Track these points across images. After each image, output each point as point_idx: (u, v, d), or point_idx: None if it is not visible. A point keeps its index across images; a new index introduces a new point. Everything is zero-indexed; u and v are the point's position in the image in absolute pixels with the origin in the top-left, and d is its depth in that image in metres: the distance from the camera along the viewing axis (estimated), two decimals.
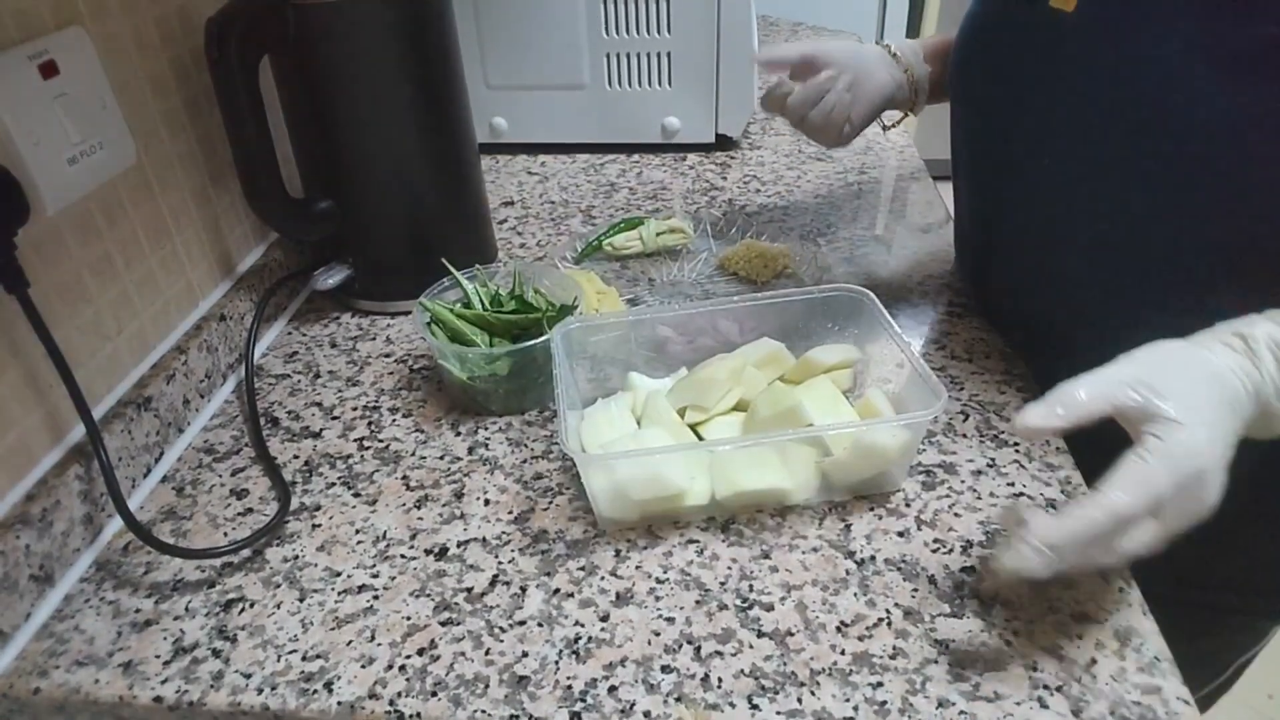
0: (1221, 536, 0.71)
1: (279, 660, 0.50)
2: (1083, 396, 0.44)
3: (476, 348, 0.67)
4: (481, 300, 0.71)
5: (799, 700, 0.47)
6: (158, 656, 0.51)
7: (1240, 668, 0.80)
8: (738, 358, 0.65)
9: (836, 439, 0.58)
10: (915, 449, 0.59)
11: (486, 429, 0.68)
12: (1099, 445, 0.63)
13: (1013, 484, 0.60)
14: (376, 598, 0.54)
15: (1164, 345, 0.47)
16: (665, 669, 0.49)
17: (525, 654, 0.50)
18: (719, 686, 0.48)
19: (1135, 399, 0.44)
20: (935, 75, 0.83)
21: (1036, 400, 0.45)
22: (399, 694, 0.48)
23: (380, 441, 0.67)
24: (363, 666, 0.50)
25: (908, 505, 0.59)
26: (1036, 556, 0.42)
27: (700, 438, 0.62)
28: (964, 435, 0.64)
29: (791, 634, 0.50)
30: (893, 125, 0.86)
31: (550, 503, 0.60)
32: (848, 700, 0.46)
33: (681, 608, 0.52)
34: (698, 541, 0.57)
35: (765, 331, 0.68)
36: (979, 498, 0.59)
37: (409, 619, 0.52)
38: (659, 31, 1.06)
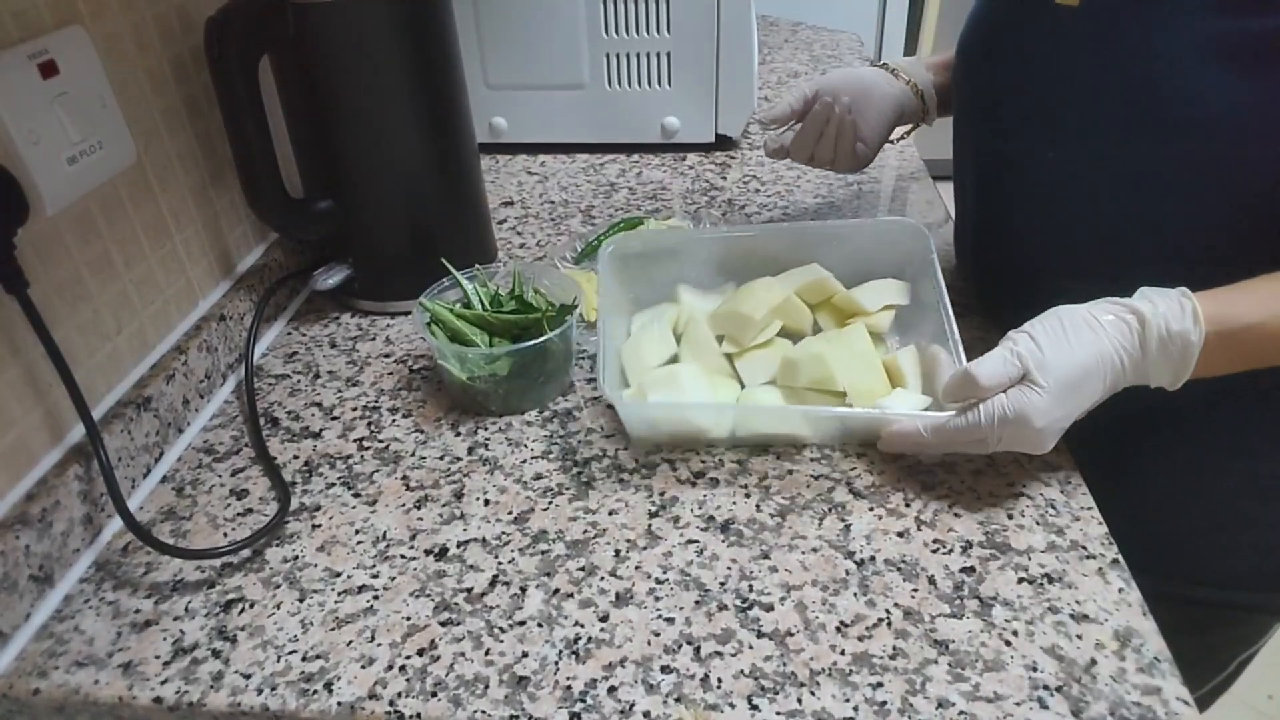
0: (1228, 536, 0.71)
1: (279, 660, 0.50)
2: (985, 385, 0.53)
3: (476, 348, 0.67)
4: (481, 300, 0.71)
5: (799, 700, 0.47)
6: (157, 657, 0.51)
7: (1243, 663, 0.80)
8: (781, 287, 0.68)
9: (857, 399, 0.62)
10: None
11: (486, 429, 0.68)
12: (1097, 445, 0.63)
13: (1012, 483, 0.60)
14: (376, 598, 0.54)
15: (1064, 318, 0.54)
16: (665, 669, 0.49)
17: (525, 654, 0.50)
18: (719, 687, 0.48)
19: (1017, 374, 0.54)
20: (943, 86, 0.82)
21: (954, 384, 0.55)
22: (399, 694, 0.48)
23: (380, 442, 0.67)
24: (363, 667, 0.50)
25: (908, 505, 0.59)
26: (895, 444, 0.59)
27: (735, 369, 0.67)
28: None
29: (791, 634, 0.50)
30: (900, 138, 0.86)
31: (550, 503, 0.60)
32: (848, 700, 0.46)
33: (681, 608, 0.52)
34: (697, 541, 0.57)
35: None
36: (979, 498, 0.59)
37: (409, 619, 0.52)
38: (659, 31, 1.06)
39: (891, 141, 0.83)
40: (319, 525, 0.60)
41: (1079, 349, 0.53)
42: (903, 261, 0.71)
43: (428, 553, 0.57)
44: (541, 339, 0.65)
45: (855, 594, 0.52)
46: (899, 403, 0.61)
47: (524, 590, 0.54)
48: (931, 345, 0.64)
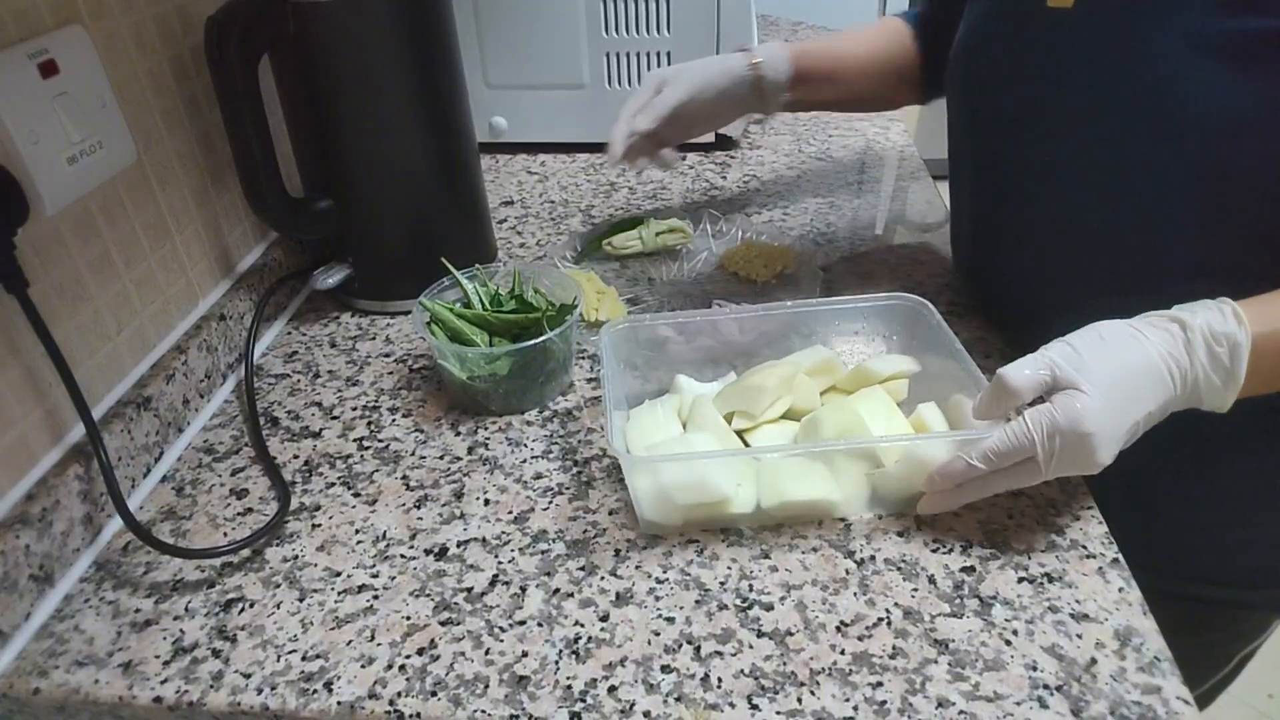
0: (1232, 534, 0.71)
1: (279, 660, 0.50)
2: (1017, 387, 0.51)
3: (476, 348, 0.67)
4: (481, 300, 0.71)
5: (799, 700, 0.47)
6: (157, 656, 0.51)
7: (1244, 660, 0.81)
8: (789, 365, 0.64)
9: (888, 452, 0.56)
10: None
11: (486, 429, 0.68)
12: None
13: None
14: (376, 598, 0.54)
15: (1103, 327, 0.52)
16: (665, 669, 0.49)
17: (525, 654, 0.50)
18: (719, 686, 0.48)
19: (1055, 376, 0.50)
20: (805, 76, 0.79)
21: (985, 397, 0.53)
22: (399, 694, 0.48)
23: (380, 441, 0.67)
24: (363, 666, 0.50)
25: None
26: (940, 484, 0.54)
27: (748, 445, 0.61)
28: None
29: (791, 634, 0.50)
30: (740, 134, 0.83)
31: (550, 503, 0.60)
32: (848, 700, 0.46)
33: (681, 607, 0.52)
34: (697, 541, 0.57)
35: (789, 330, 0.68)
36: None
37: (409, 619, 0.52)
38: (659, 31, 1.06)
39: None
40: (319, 525, 0.60)
41: (1121, 353, 0.50)
42: (908, 335, 0.67)
43: (428, 552, 0.57)
44: (541, 339, 0.65)
45: (855, 593, 0.52)
46: (932, 443, 0.56)
47: (524, 590, 0.54)
48: (955, 395, 0.60)
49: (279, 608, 0.54)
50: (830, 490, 0.56)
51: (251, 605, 0.54)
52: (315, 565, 0.57)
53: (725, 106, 0.79)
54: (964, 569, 0.54)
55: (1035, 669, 0.48)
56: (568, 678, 0.48)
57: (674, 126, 0.78)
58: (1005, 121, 0.67)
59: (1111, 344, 0.51)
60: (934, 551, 0.55)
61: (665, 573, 0.54)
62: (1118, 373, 0.50)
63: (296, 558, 0.57)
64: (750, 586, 0.53)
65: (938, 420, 0.59)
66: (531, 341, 0.65)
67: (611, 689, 0.48)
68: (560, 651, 0.50)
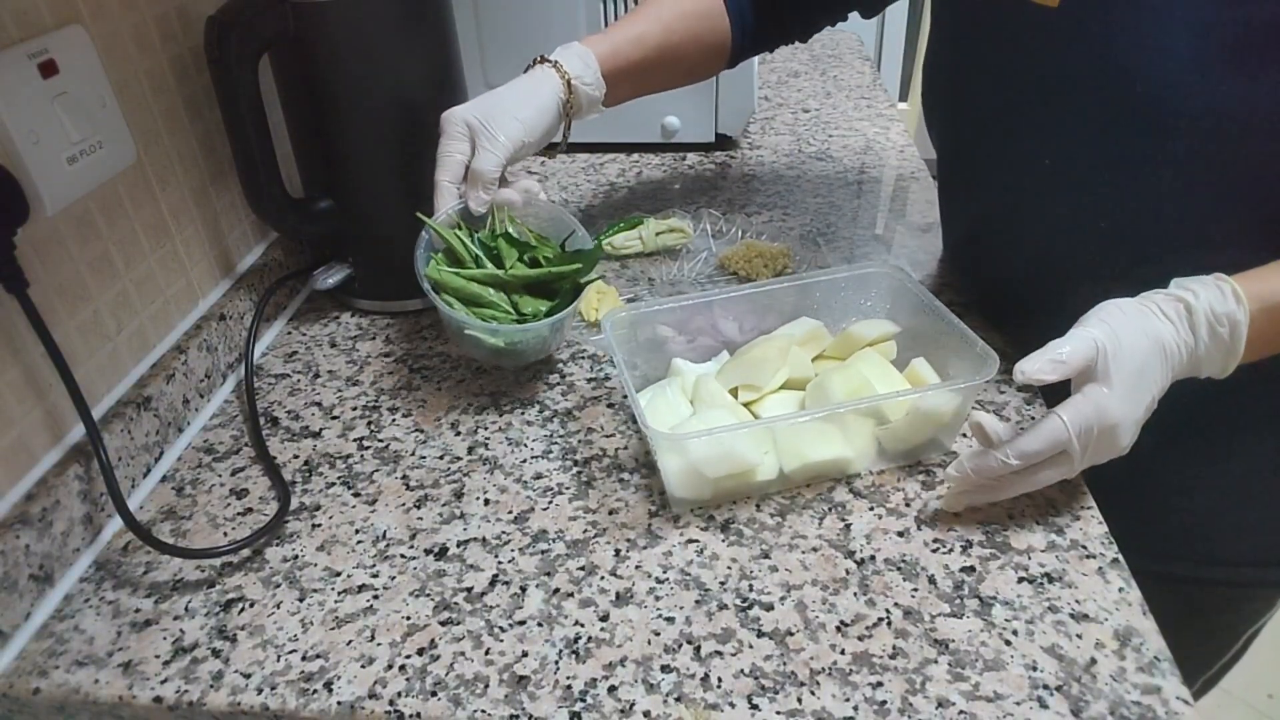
0: (1240, 515, 0.71)
1: (279, 660, 0.50)
2: (1065, 358, 0.52)
3: (524, 323, 0.65)
4: (476, 255, 0.68)
5: (799, 700, 0.47)
6: (157, 656, 0.51)
7: (1250, 638, 0.81)
8: (782, 338, 0.67)
9: (893, 408, 0.60)
10: (966, 413, 0.59)
11: (486, 429, 0.68)
12: None
13: None
14: (376, 597, 0.54)
15: (1121, 309, 0.54)
16: (665, 669, 0.49)
17: (525, 654, 0.50)
18: (719, 686, 0.48)
19: (1093, 361, 0.52)
20: (617, 74, 0.75)
21: (1033, 355, 0.53)
22: (399, 694, 0.48)
23: (380, 441, 0.67)
24: (363, 666, 0.50)
25: (908, 505, 0.59)
26: (973, 480, 0.54)
27: (756, 417, 0.63)
28: (965, 435, 0.64)
29: (791, 634, 0.50)
30: (560, 146, 0.78)
31: (550, 503, 0.60)
32: (848, 700, 0.46)
33: (681, 607, 0.52)
34: (697, 541, 0.57)
35: (780, 320, 0.70)
36: None
37: (409, 619, 0.52)
38: None
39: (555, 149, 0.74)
40: (319, 525, 0.60)
41: (1142, 338, 0.52)
42: (890, 302, 0.70)
43: (428, 552, 0.57)
44: (578, 299, 0.65)
45: (855, 593, 0.52)
46: (934, 394, 0.59)
47: (524, 590, 0.54)
48: (937, 351, 0.64)
49: (279, 608, 0.54)
50: (844, 449, 0.59)
51: (251, 605, 0.54)
52: (315, 565, 0.57)
53: (549, 131, 0.73)
54: (964, 569, 0.54)
55: (1035, 669, 0.48)
56: (568, 678, 0.48)
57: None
58: (996, 123, 0.67)
59: (1134, 327, 0.53)
60: (934, 551, 0.55)
61: (665, 573, 0.55)
62: (1138, 359, 0.52)
63: (296, 558, 0.57)
64: (750, 586, 0.53)
65: (930, 374, 0.63)
66: (571, 306, 0.65)
67: (611, 689, 0.48)
68: (560, 651, 0.50)
